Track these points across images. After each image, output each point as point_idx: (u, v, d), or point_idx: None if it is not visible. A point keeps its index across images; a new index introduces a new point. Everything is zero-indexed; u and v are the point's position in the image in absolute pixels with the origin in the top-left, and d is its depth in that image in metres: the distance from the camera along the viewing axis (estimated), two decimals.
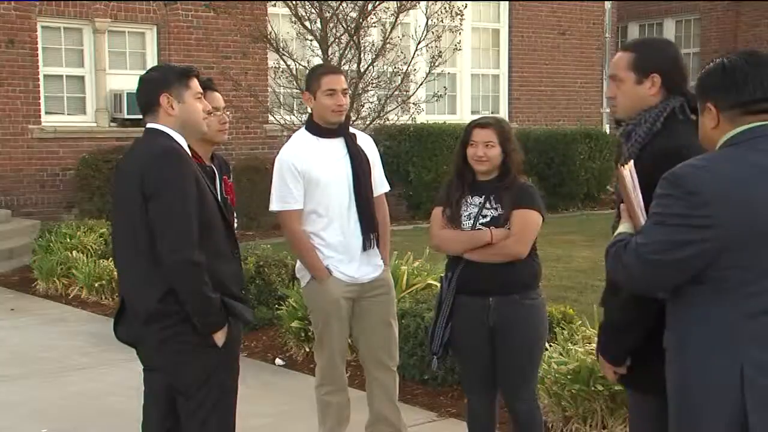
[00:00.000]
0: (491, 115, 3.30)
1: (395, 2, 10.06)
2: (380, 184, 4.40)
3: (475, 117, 4.35)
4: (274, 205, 4.24)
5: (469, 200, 3.86)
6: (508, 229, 3.76)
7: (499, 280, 3.76)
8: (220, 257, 3.24)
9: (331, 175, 4.17)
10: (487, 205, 3.82)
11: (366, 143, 4.36)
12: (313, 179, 4.15)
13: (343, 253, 4.20)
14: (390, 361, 4.35)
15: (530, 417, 3.87)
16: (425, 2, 10.50)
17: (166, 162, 3.15)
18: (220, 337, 3.20)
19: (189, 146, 3.73)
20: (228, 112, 4.03)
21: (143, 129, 3.33)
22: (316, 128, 4.25)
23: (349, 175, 4.19)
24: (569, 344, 4.77)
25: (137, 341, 3.31)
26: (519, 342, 3.77)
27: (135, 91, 3.36)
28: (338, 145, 4.24)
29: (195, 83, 3.34)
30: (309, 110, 4.34)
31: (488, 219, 3.80)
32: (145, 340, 3.24)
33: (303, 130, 4.33)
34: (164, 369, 3.25)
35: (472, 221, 3.82)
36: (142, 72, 3.43)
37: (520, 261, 3.77)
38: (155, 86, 3.27)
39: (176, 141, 3.25)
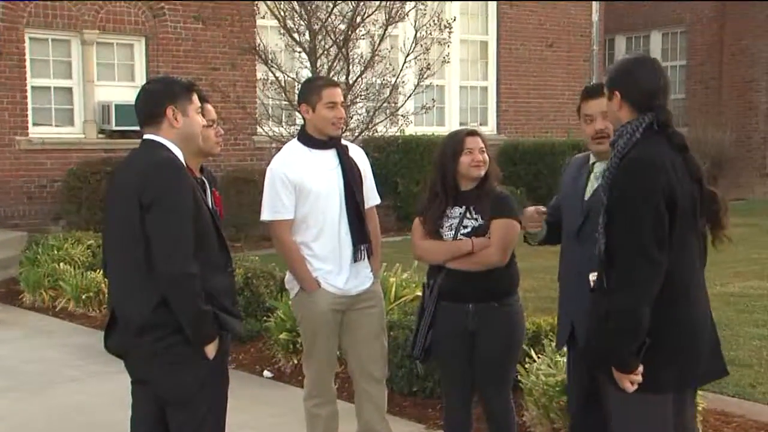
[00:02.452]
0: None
1: (384, 15, 10.09)
2: (372, 197, 4.40)
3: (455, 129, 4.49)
4: (265, 215, 4.24)
5: (449, 212, 4.01)
6: (488, 238, 3.90)
7: (479, 287, 3.94)
8: (213, 270, 3.23)
9: (322, 186, 4.17)
10: (468, 216, 3.98)
11: (358, 155, 4.37)
12: (305, 190, 4.15)
13: (333, 264, 4.19)
14: (379, 373, 4.34)
15: (504, 416, 4.04)
16: (414, 15, 10.53)
17: (164, 173, 3.14)
18: (211, 350, 3.19)
19: None
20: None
21: (137, 140, 3.32)
22: (309, 139, 4.24)
23: (340, 186, 4.20)
24: (557, 356, 4.75)
25: (127, 352, 3.29)
26: (497, 345, 3.96)
27: (136, 101, 3.31)
28: (330, 156, 4.24)
29: (196, 98, 3.37)
30: (298, 122, 4.34)
31: (469, 229, 3.97)
32: (136, 351, 3.22)
33: (295, 141, 4.33)
34: (155, 381, 3.23)
35: (453, 232, 3.98)
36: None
37: (499, 268, 3.94)
38: (162, 98, 3.26)
39: (174, 154, 3.24)
